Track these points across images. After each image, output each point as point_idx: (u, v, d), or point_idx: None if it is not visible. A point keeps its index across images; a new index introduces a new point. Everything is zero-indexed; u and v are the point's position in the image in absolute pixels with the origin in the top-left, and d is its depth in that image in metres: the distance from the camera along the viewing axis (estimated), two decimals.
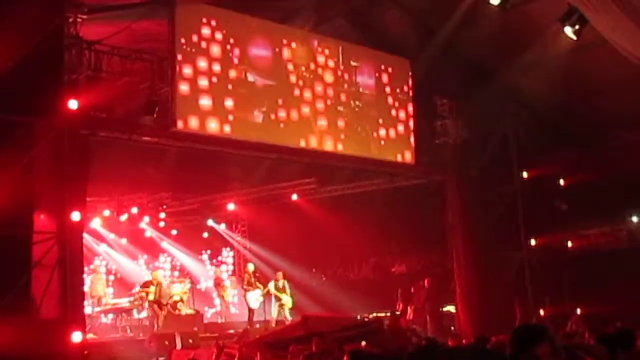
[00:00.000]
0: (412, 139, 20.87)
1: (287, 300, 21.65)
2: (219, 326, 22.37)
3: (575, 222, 21.74)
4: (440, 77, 20.34)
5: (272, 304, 21.63)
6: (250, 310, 21.59)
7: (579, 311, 19.79)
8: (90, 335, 17.00)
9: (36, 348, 12.15)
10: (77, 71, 14.81)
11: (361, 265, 25.78)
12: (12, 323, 11.92)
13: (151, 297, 20.55)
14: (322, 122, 19.10)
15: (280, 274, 22.11)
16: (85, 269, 19.63)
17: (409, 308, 22.48)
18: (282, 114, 18.28)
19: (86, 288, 20.36)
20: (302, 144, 18.83)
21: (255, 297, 21.54)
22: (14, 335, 11.76)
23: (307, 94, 18.89)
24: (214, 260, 27.67)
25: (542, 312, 19.97)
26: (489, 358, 4.95)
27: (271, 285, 21.57)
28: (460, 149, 21.22)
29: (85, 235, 17.87)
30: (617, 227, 22.20)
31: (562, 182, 22.42)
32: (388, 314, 21.12)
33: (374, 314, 22.31)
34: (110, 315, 22.89)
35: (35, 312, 13.31)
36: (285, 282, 21.95)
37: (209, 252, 27.76)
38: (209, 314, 24.94)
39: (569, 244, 22.67)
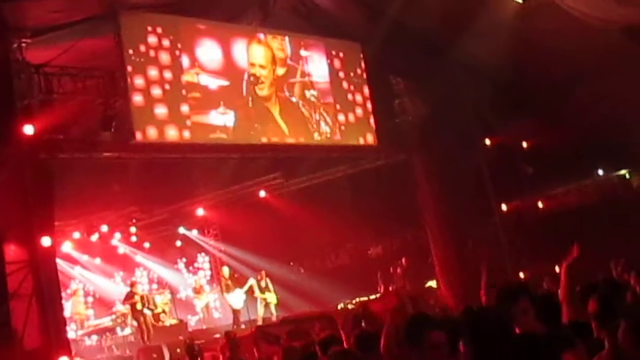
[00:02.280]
0: (372, 121, 20.91)
1: (271, 298, 21.72)
2: (204, 332, 22.28)
3: (542, 183, 21.92)
4: (392, 56, 20.39)
5: (258, 303, 21.68)
6: (235, 312, 21.57)
7: (557, 269, 19.92)
8: None
9: None
10: (28, 96, 14.63)
11: (338, 252, 25.83)
12: None
13: (139, 306, 20.45)
14: (280, 115, 19.06)
15: (262, 273, 22.21)
16: (63, 293, 19.48)
17: (390, 289, 22.58)
18: (239, 112, 18.21)
19: (67, 312, 20.23)
20: (264, 139, 18.78)
21: (236, 298, 21.52)
22: None
23: (262, 90, 18.84)
24: (191, 268, 27.57)
25: (521, 274, 20.10)
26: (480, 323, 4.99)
27: (254, 284, 21.63)
28: (421, 126, 21.29)
29: (59, 260, 17.72)
30: (584, 183, 22.42)
31: (525, 145, 22.58)
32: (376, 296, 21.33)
33: (357, 299, 22.37)
34: (94, 337, 22.77)
35: (19, 342, 13.21)
36: (268, 281, 22.01)
37: (184, 260, 27.67)
38: (192, 321, 24.85)
39: (540, 205, 22.85)
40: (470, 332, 4.87)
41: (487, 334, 4.73)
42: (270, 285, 22.10)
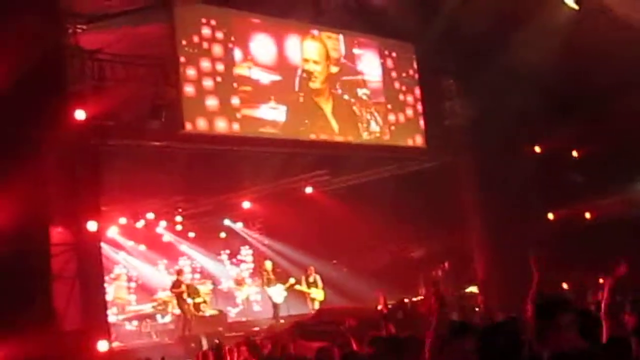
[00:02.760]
0: (421, 122, 20.85)
1: (317, 294, 21.74)
2: (243, 324, 22.42)
3: (590, 193, 21.62)
4: (444, 57, 20.29)
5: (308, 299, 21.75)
6: (275, 306, 21.62)
7: (601, 281, 19.64)
8: (116, 344, 17.02)
9: (63, 359, 12.21)
10: (81, 82, 14.80)
11: (380, 252, 25.70)
12: (37, 336, 11.99)
13: (185, 295, 20.60)
14: (331, 113, 19.07)
15: (311, 269, 22.21)
16: (107, 277, 19.71)
17: (431, 291, 22.42)
18: (290, 108, 18.25)
19: (109, 297, 20.47)
20: (313, 136, 18.81)
21: (277, 292, 21.57)
22: (40, 348, 11.83)
23: (315, 85, 18.87)
24: (234, 260, 27.68)
25: (565, 285, 19.85)
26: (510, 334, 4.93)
27: (302, 281, 21.68)
28: (470, 129, 21.13)
29: (104, 245, 17.93)
30: (634, 194, 22.05)
31: (574, 154, 22.29)
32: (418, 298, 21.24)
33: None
34: (135, 322, 22.99)
35: (59, 324, 13.38)
36: (317, 277, 22.01)
37: (227, 251, 27.77)
38: (232, 313, 24.96)
39: (587, 215, 22.54)
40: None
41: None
42: (319, 282, 22.09)
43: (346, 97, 19.54)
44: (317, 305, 21.67)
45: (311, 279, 22.00)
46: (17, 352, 11.60)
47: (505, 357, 4.43)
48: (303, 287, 21.96)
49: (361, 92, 19.92)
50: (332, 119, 19.09)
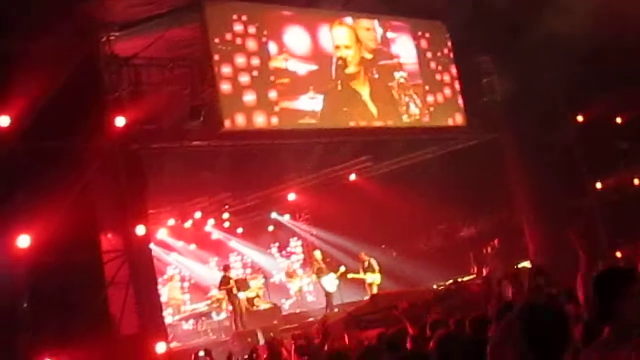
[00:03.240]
0: (460, 101, 20.72)
1: (374, 278, 21.76)
2: (297, 316, 22.47)
3: (638, 159, 21.28)
4: (477, 33, 20.08)
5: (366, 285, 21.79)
6: (328, 295, 21.65)
7: None
8: (173, 344, 17.20)
9: None
10: (118, 88, 14.98)
11: (430, 234, 25.65)
12: (95, 343, 12.16)
13: (234, 290, 20.71)
14: (369, 97, 19.02)
15: (363, 254, 22.22)
16: (160, 279, 19.91)
17: (483, 269, 22.32)
18: (328, 97, 18.24)
19: (164, 298, 20.67)
20: (352, 123, 18.79)
21: (329, 281, 21.59)
22: (98, 354, 12.00)
23: (349, 69, 18.83)
24: (283, 252, 27.80)
25: (618, 254, 19.59)
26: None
27: (361, 267, 21.72)
28: (509, 104, 20.93)
29: (155, 247, 18.10)
30: None
31: (618, 120, 21.94)
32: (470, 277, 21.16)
33: (451, 281, 22.20)
34: (191, 321, 23.22)
35: (116, 329, 13.56)
36: (372, 261, 22.01)
37: (277, 244, 27.91)
38: (286, 305, 25.07)
39: (636, 182, 22.20)
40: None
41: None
42: (375, 266, 22.09)
43: (384, 81, 19.47)
44: (375, 290, 21.71)
45: (366, 264, 22.03)
46: (76, 358, 11.76)
47: (552, 336, 4.31)
48: (360, 274, 22.01)
49: (398, 75, 19.84)
50: (371, 103, 19.05)
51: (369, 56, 19.37)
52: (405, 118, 19.77)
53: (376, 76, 19.36)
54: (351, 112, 18.82)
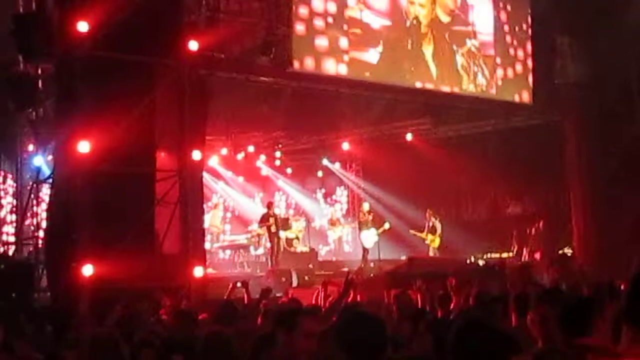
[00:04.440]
0: (530, 79, 20.51)
1: (433, 240, 22.00)
2: (333, 264, 22.69)
3: None
4: (561, 14, 19.81)
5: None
6: (365, 249, 21.81)
7: None
8: (210, 270, 17.50)
9: (160, 281, 12.63)
10: (196, 12, 15.05)
11: (475, 205, 25.60)
12: (137, 256, 12.42)
13: (273, 228, 20.92)
14: (438, 62, 18.93)
15: (429, 213, 22.43)
16: (205, 206, 20.19)
17: (524, 250, 22.32)
18: (397, 54, 18.20)
19: (205, 224, 20.96)
20: (418, 84, 18.75)
21: (369, 236, 21.73)
22: (139, 268, 12.25)
23: (423, 30, 18.72)
24: (328, 199, 27.93)
25: None
26: None
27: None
28: (579, 89, 20.67)
29: (204, 173, 18.31)
30: None
31: None
32: (508, 255, 21.18)
33: (489, 255, 22.24)
34: (228, 252, 23.56)
35: (158, 247, 13.84)
36: (437, 222, 22.21)
37: (323, 190, 28.02)
38: (323, 251, 25.26)
39: None
40: None
41: None
42: (438, 227, 22.30)
43: (455, 47, 19.34)
44: (431, 252, 21.97)
45: (430, 224, 22.29)
46: (117, 268, 12.04)
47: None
48: (422, 234, 22.27)
49: (470, 43, 19.70)
50: (436, 67, 18.96)
51: (445, 19, 19.24)
52: (471, 87, 19.69)
53: (447, 40, 19.22)
54: (418, 73, 18.78)
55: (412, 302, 9.38)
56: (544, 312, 5.08)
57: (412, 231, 22.72)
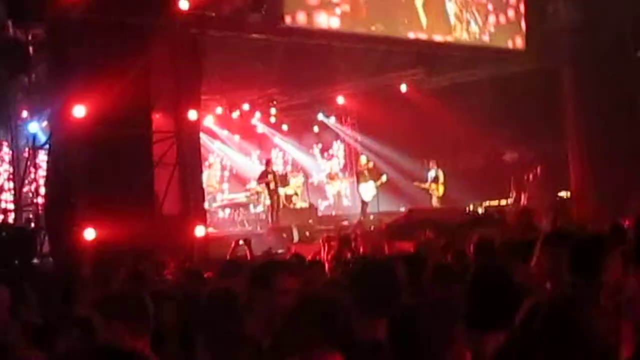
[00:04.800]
0: (523, 25, 20.38)
1: (435, 188, 22.13)
2: (332, 218, 22.80)
3: None
4: None
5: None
6: (363, 202, 21.88)
7: None
8: (210, 229, 17.57)
9: (162, 241, 12.71)
10: None
11: (472, 154, 25.58)
12: (138, 218, 12.51)
13: (272, 185, 20.96)
14: (429, 12, 18.79)
15: (433, 162, 22.72)
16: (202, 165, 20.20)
17: (522, 196, 22.38)
18: (389, 4, 18.09)
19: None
20: (411, 34, 18.65)
21: (368, 189, 21.77)
22: (140, 229, 12.32)
23: None
24: (325, 154, 27.93)
25: None
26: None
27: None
28: (573, 35, 20.55)
29: (200, 133, 18.30)
30: None
31: None
32: (507, 203, 21.31)
33: (487, 203, 22.34)
34: (227, 210, 23.63)
35: (159, 208, 13.90)
36: (439, 172, 22.34)
37: (319, 145, 28.00)
38: (322, 206, 25.34)
39: None
40: None
41: None
42: (441, 177, 22.43)
43: None
44: (434, 201, 22.09)
45: (432, 173, 22.39)
46: (118, 231, 12.12)
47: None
48: (425, 184, 22.39)
49: None
50: (423, 13, 18.78)
51: None
52: (464, 35, 19.56)
53: None
54: (409, 23, 18.65)
55: None
56: (554, 251, 5.05)
57: (415, 183, 22.82)
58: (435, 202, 22.46)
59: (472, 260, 7.02)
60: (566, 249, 4.99)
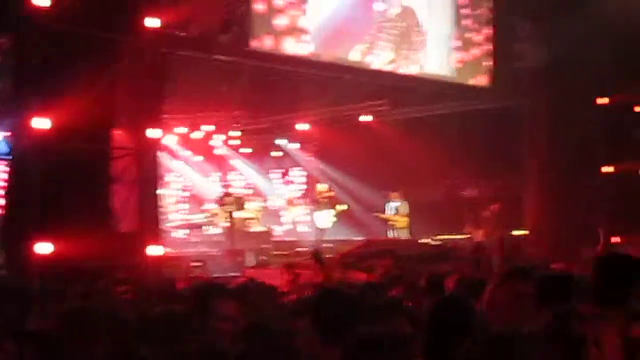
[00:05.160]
0: (489, 62, 20.61)
1: (397, 220, 22.12)
2: (288, 244, 22.69)
3: None
4: None
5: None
6: (320, 230, 21.87)
7: None
8: (166, 249, 17.43)
9: (116, 260, 12.56)
10: None
11: (432, 187, 25.73)
12: (94, 235, 12.35)
13: (231, 208, 20.86)
14: (397, 43, 18.94)
15: (395, 194, 22.49)
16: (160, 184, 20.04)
17: (478, 232, 22.53)
18: (357, 34, 18.20)
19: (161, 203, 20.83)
20: (376, 65, 18.75)
21: (325, 217, 21.77)
22: (96, 247, 12.17)
23: (381, 14, 18.70)
24: (285, 179, 27.89)
25: (615, 239, 19.70)
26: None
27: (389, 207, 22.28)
28: (538, 74, 20.86)
29: (160, 152, 18.18)
30: None
31: (638, 109, 21.93)
32: (463, 237, 21.42)
33: (443, 237, 22.44)
34: (184, 230, 23.46)
35: (115, 225, 13.76)
36: (404, 204, 22.31)
37: (280, 171, 27.96)
38: (279, 231, 25.25)
39: None
40: None
41: None
42: (406, 210, 22.39)
43: (416, 29, 19.36)
44: (397, 233, 22.08)
45: (394, 206, 22.39)
46: (74, 247, 11.97)
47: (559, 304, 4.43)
48: (387, 215, 22.36)
49: (430, 25, 19.68)
50: (397, 49, 18.96)
51: (404, 2, 19.23)
52: (430, 69, 19.73)
53: (407, 21, 19.22)
54: (378, 55, 18.77)
55: None
56: (519, 288, 5.09)
57: (377, 213, 22.82)
58: (395, 233, 22.41)
59: (423, 295, 7.06)
60: (525, 286, 5.04)
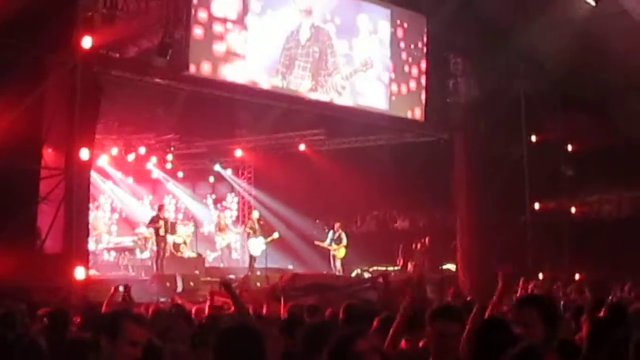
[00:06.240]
0: (423, 96, 20.82)
1: (339, 251, 22.06)
2: (220, 270, 22.52)
3: (580, 188, 21.80)
4: (455, 34, 20.24)
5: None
6: (252, 257, 21.78)
7: (577, 276, 19.91)
8: (92, 272, 17.16)
9: (40, 281, 12.36)
10: (92, 9, 14.74)
11: (364, 218, 25.88)
12: (17, 255, 12.14)
13: (162, 231, 20.62)
14: (333, 76, 19.04)
15: (337, 225, 22.54)
16: (90, 205, 19.78)
17: (409, 264, 22.68)
18: (295, 64, 18.25)
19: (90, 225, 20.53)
20: (313, 95, 18.81)
21: (257, 244, 21.68)
22: (19, 267, 11.98)
23: (316, 48, 18.80)
24: (219, 205, 27.74)
25: (540, 275, 20.03)
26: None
27: (329, 236, 22.28)
28: (469, 108, 21.19)
29: (92, 172, 17.95)
30: (622, 196, 22.22)
31: (569, 147, 22.43)
32: (394, 269, 21.50)
33: (374, 268, 22.54)
34: (113, 253, 23.14)
35: (40, 246, 13.51)
36: (343, 234, 22.28)
37: (213, 196, 27.80)
38: (210, 257, 25.04)
39: (572, 210, 22.74)
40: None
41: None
42: (344, 239, 22.35)
43: (353, 61, 19.48)
44: (338, 263, 22.06)
45: (336, 235, 22.34)
46: None
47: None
48: (326, 244, 22.33)
49: (366, 58, 19.81)
50: (334, 80, 19.06)
51: (341, 34, 19.36)
52: (365, 101, 19.84)
53: (344, 53, 19.36)
54: (314, 84, 18.83)
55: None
56: (453, 328, 5.07)
57: (316, 242, 22.85)
58: (337, 263, 22.40)
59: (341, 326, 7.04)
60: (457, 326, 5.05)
